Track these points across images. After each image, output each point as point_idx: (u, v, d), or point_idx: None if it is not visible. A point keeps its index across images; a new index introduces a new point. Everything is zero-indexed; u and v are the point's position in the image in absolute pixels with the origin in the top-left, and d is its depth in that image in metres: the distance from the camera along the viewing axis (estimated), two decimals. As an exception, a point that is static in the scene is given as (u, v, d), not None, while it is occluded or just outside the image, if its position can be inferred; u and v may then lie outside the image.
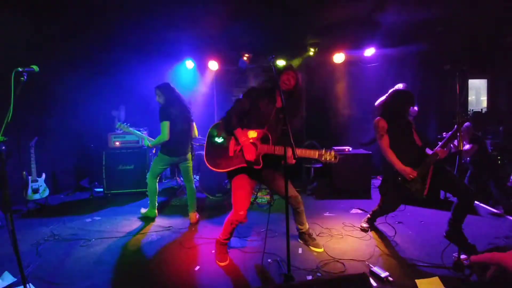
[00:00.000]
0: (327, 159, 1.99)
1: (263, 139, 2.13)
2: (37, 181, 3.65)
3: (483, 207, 3.48)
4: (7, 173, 1.54)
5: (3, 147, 1.53)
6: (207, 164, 2.18)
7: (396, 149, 2.48)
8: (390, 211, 2.77)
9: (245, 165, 2.11)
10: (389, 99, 2.62)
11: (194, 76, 5.56)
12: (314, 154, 2.02)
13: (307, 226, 2.56)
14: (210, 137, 2.26)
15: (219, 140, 2.23)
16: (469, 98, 5.78)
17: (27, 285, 1.65)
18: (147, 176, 3.25)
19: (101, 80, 4.64)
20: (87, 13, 3.43)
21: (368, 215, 2.88)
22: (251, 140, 2.12)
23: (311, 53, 4.92)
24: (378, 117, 2.56)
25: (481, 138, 3.72)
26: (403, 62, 4.99)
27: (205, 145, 2.24)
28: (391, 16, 3.74)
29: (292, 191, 2.36)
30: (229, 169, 2.14)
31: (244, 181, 2.16)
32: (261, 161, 2.09)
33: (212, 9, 3.48)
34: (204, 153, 2.22)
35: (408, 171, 2.39)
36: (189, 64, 5.29)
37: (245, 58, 4.79)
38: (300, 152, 1.93)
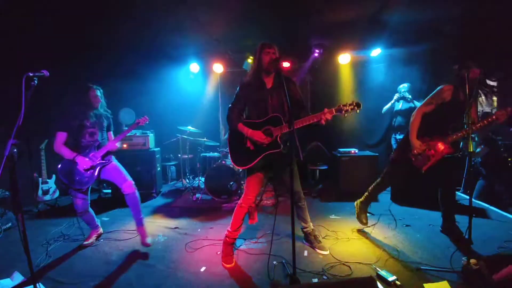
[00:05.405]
0: (349, 110, 2.06)
1: (274, 123, 2.17)
2: (47, 182, 3.73)
3: (494, 210, 3.40)
4: (18, 175, 1.58)
5: (15, 150, 1.57)
6: (238, 167, 2.31)
7: (428, 123, 2.45)
8: (386, 184, 2.78)
9: (271, 151, 2.15)
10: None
11: (199, 79, 5.61)
12: (335, 110, 2.07)
13: (311, 225, 2.55)
14: (229, 143, 2.34)
15: (236, 140, 2.29)
16: (479, 99, 5.65)
17: (37, 284, 1.68)
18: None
19: (107, 84, 4.71)
20: (92, 17, 3.50)
21: (364, 197, 2.87)
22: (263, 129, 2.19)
23: (316, 54, 4.91)
24: (449, 85, 2.46)
25: (495, 140, 3.64)
26: (410, 63, 4.92)
27: (229, 152, 2.32)
28: (398, 15, 3.70)
29: (297, 186, 2.40)
30: (258, 160, 2.18)
31: (258, 170, 2.25)
32: (279, 142, 2.15)
33: (217, 10, 3.50)
34: (231, 159, 2.28)
35: (416, 145, 2.41)
36: (194, 67, 5.34)
37: (249, 61, 4.80)
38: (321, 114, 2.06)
